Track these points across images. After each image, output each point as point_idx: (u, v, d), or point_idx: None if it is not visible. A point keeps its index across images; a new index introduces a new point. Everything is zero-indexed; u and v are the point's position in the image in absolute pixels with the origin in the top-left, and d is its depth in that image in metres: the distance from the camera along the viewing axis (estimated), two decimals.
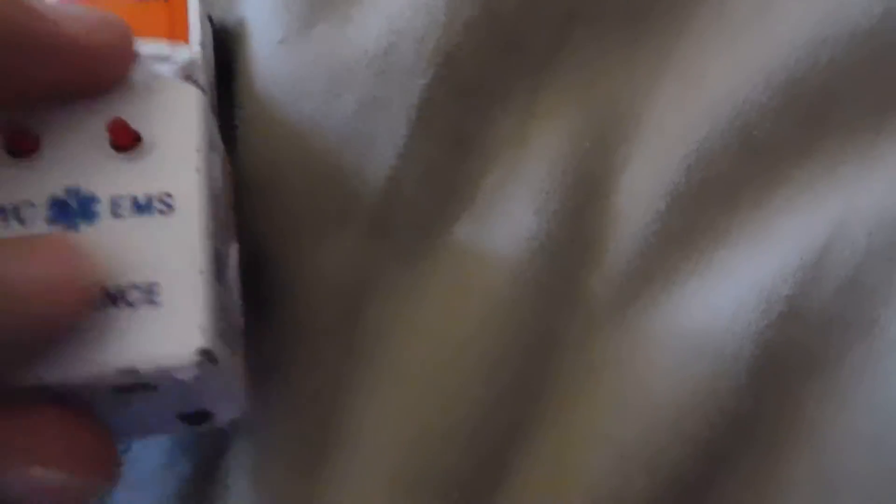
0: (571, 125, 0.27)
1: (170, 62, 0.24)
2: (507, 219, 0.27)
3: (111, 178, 0.21)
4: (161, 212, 0.21)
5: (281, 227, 0.28)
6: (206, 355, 0.19)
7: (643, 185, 0.27)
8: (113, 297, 0.20)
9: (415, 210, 0.27)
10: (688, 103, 0.27)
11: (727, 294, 0.26)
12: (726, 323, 0.25)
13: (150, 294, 0.20)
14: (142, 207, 0.21)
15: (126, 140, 0.21)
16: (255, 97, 0.28)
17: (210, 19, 0.28)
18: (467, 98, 0.27)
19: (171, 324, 0.19)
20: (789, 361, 0.25)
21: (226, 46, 0.29)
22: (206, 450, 0.27)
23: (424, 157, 0.27)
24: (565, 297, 0.27)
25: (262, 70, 0.28)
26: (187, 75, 0.24)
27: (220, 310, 0.21)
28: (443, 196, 0.27)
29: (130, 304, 0.20)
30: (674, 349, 0.26)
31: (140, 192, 0.21)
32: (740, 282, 0.26)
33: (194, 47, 0.25)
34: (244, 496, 0.27)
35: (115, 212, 0.21)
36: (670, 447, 0.25)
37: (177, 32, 0.25)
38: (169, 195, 0.21)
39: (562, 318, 0.27)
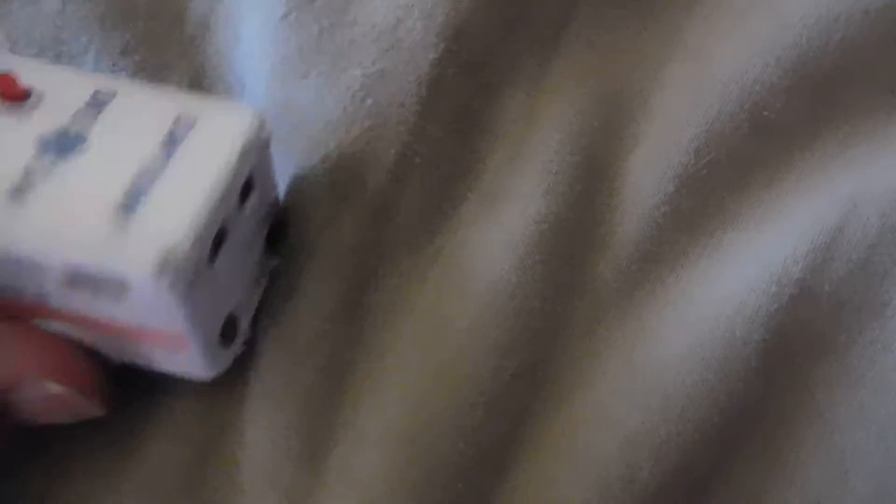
0: (579, 103, 0.27)
1: None
2: (515, 199, 0.26)
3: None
4: None
5: (287, 208, 0.27)
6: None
7: (651, 166, 0.27)
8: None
9: (423, 189, 0.26)
10: (696, 83, 0.27)
11: (737, 277, 0.26)
12: (736, 306, 0.25)
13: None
14: None
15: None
16: (260, 74, 0.27)
17: None
18: (475, 74, 0.27)
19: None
20: (800, 344, 0.25)
21: None
22: (208, 438, 0.27)
23: (434, 134, 0.26)
24: (572, 280, 0.26)
25: (267, 47, 0.27)
26: None
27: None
28: (450, 174, 0.27)
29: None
30: (682, 333, 0.26)
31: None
32: (750, 264, 0.26)
33: None
34: (248, 485, 0.26)
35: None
36: (678, 433, 0.25)
37: None
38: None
39: (569, 303, 0.26)
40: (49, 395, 0.22)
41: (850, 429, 0.25)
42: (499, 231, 0.26)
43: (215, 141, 0.22)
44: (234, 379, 0.26)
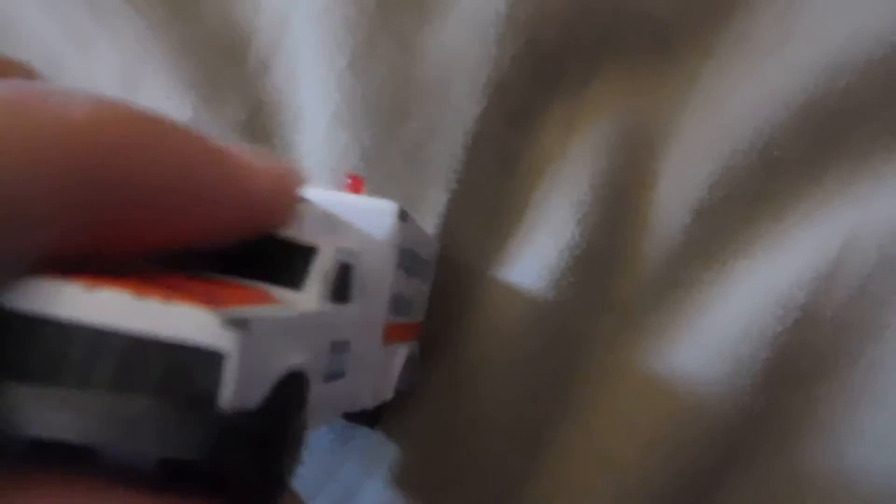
0: (608, 141, 0.29)
1: None
2: (552, 229, 0.29)
3: None
4: None
5: None
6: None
7: (670, 199, 0.29)
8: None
9: (472, 230, 0.29)
10: (711, 125, 0.29)
11: (746, 301, 0.28)
12: (744, 327, 0.27)
13: None
14: None
15: None
16: (322, 116, 0.30)
17: None
18: (514, 121, 0.29)
19: None
20: (803, 364, 0.27)
21: None
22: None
23: (479, 179, 0.29)
24: (598, 300, 0.29)
25: (332, 92, 0.29)
26: None
27: None
28: (496, 213, 0.29)
29: None
30: (695, 350, 0.28)
31: None
32: (758, 290, 0.28)
33: None
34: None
35: None
36: (691, 441, 0.27)
37: None
38: None
39: (594, 320, 0.29)
40: None
41: (851, 442, 0.27)
42: (538, 255, 0.29)
43: None
44: None
